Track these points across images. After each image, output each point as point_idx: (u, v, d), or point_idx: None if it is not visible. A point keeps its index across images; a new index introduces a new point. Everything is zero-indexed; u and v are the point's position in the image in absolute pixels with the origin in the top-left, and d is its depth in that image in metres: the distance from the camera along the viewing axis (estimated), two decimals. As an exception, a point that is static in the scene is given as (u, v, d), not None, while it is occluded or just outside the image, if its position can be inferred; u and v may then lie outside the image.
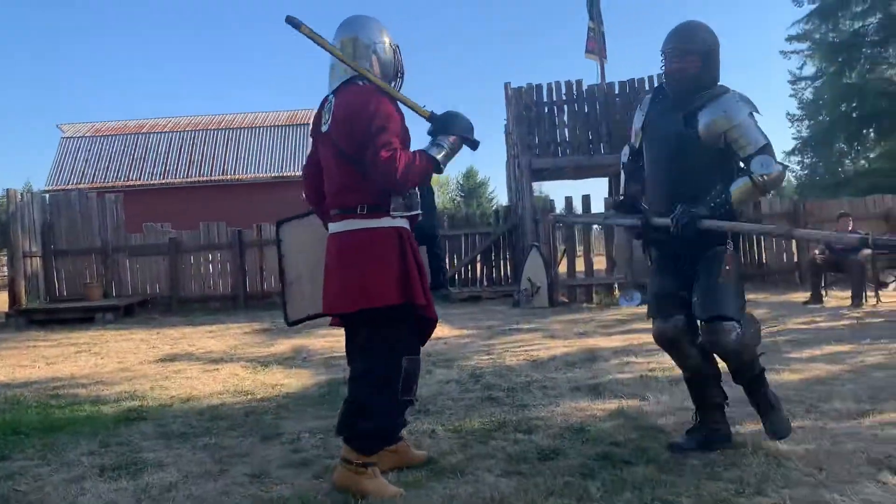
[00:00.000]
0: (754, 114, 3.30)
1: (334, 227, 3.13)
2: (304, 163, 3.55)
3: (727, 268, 3.22)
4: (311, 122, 3.51)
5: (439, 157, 3.03)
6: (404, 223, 3.11)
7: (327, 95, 3.21)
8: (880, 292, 9.63)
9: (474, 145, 3.16)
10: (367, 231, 3.03)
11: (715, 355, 3.33)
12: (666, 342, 3.43)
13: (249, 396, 5.17)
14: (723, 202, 3.25)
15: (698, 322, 3.30)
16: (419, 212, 3.21)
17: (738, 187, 3.25)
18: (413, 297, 3.01)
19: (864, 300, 9.14)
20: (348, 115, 3.02)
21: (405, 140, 3.11)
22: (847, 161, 25.53)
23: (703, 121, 3.31)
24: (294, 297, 3.49)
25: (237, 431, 4.17)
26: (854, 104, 19.27)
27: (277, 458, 3.58)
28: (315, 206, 3.39)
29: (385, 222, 3.04)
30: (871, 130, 20.78)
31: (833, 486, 2.82)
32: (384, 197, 3.03)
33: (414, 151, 3.03)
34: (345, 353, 3.33)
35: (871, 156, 24.18)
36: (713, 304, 3.19)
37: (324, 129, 3.16)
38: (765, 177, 3.20)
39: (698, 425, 3.43)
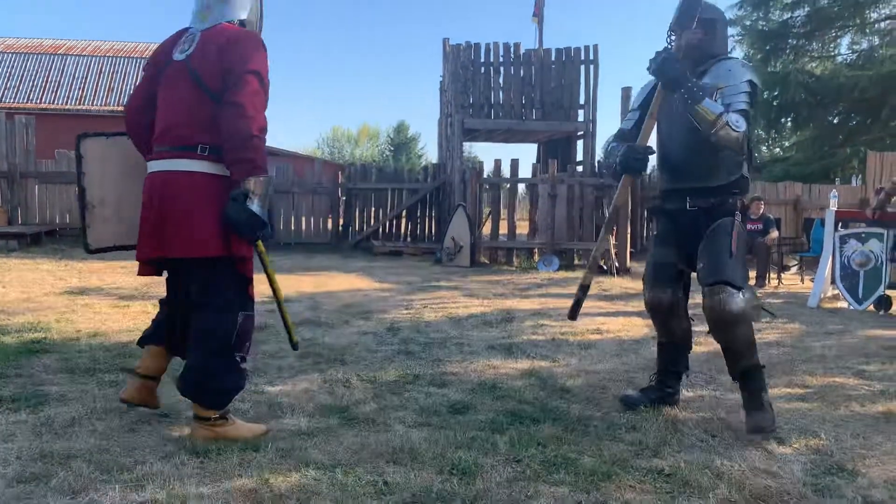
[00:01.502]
0: (753, 81, 3.28)
1: (169, 163, 2.92)
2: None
3: (734, 237, 3.29)
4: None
5: (263, 176, 2.85)
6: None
7: (188, 29, 3.07)
8: (783, 275, 10.16)
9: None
10: (204, 176, 2.89)
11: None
12: (661, 309, 3.58)
13: (161, 335, 5.05)
14: (697, 90, 3.16)
15: (703, 288, 3.28)
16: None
17: (710, 104, 3.15)
18: (232, 249, 2.92)
19: (767, 281, 9.62)
20: (223, 47, 2.88)
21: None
22: (764, 148, 26.51)
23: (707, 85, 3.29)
24: (96, 222, 3.24)
25: (146, 370, 4.08)
26: (776, 93, 19.94)
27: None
28: (139, 141, 3.13)
29: (221, 169, 2.89)
30: (788, 120, 21.59)
31: (724, 451, 2.99)
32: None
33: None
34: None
35: (787, 144, 25.20)
36: (722, 268, 3.23)
37: (179, 56, 2.98)
38: (728, 125, 3.11)
39: (655, 386, 3.65)
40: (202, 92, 2.88)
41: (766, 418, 3.20)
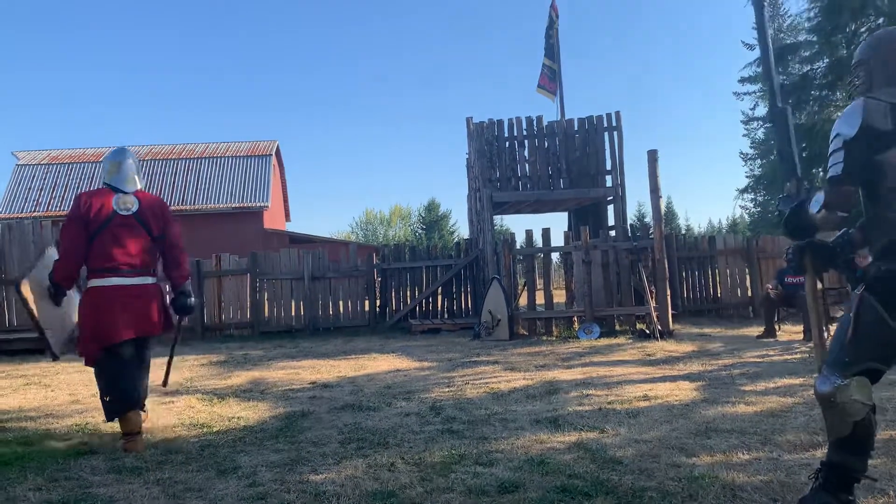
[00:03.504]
0: (841, 135, 2.71)
1: (139, 279, 4.70)
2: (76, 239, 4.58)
3: (852, 318, 2.75)
4: (132, 204, 4.70)
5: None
6: None
7: (111, 189, 4.73)
8: (830, 327, 9.88)
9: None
10: (158, 286, 4.87)
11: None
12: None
13: (205, 429, 5.07)
14: (802, 210, 2.90)
15: None
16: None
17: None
18: (170, 326, 5.00)
19: (815, 334, 9.36)
20: (161, 210, 4.85)
21: None
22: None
23: None
24: (51, 339, 4.73)
25: (192, 465, 4.08)
26: (803, 145, 19.91)
27: (233, 493, 3.51)
28: (71, 279, 4.70)
29: (157, 281, 4.90)
30: (819, 170, 21.49)
31: (787, 516, 2.87)
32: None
33: None
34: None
35: (820, 194, 24.92)
36: (829, 349, 2.92)
37: (124, 211, 4.66)
38: (812, 214, 2.85)
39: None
40: (148, 236, 4.72)
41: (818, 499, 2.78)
